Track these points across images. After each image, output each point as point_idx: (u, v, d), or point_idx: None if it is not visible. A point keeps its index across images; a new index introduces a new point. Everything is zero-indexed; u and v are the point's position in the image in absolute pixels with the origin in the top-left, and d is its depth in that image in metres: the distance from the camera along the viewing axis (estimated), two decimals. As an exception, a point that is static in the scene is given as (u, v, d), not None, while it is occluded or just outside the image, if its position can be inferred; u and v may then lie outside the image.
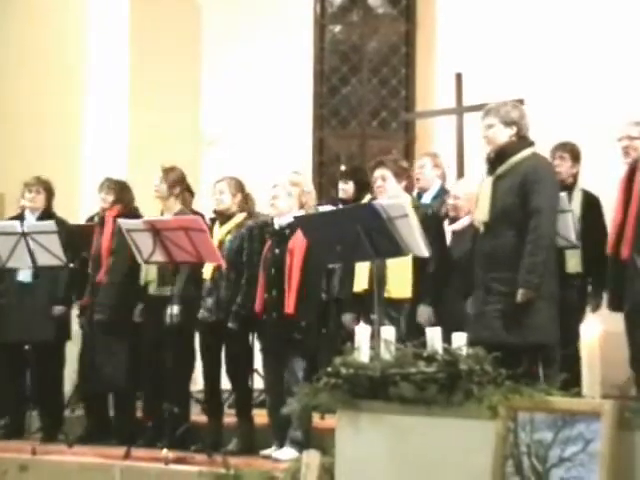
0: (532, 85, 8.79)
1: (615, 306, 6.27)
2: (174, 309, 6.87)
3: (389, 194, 6.71)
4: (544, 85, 8.94)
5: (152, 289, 7.31)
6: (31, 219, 7.80)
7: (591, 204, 7.02)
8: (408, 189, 6.95)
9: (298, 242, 6.67)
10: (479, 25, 9.72)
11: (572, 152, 7.18)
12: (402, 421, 4.78)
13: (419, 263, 6.47)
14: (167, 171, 7.34)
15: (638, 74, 8.69)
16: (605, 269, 6.70)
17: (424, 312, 6.52)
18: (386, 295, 6.44)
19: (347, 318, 6.76)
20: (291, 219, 6.75)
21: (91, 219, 8.16)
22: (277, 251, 6.78)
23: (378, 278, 6.11)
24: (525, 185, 5.76)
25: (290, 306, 6.63)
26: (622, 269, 6.13)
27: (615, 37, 8.89)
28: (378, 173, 6.86)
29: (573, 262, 6.88)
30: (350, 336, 6.37)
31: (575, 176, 7.17)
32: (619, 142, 6.45)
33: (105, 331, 7.55)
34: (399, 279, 6.50)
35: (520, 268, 5.67)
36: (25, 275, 7.72)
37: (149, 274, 7.29)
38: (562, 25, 9.18)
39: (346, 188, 7.88)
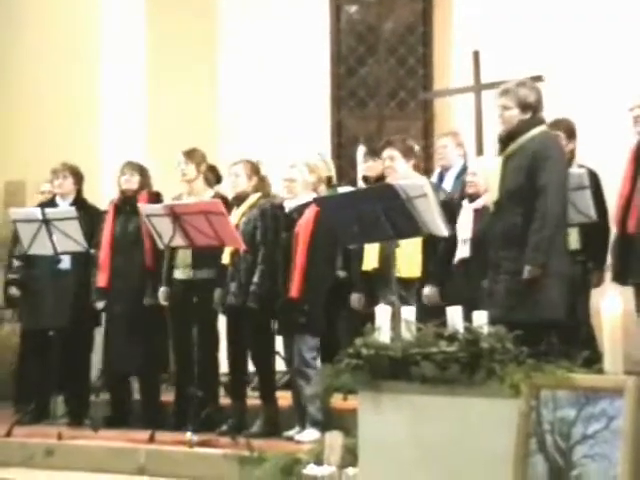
0: (550, 62, 8.73)
1: (621, 280, 6.25)
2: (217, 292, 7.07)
3: (398, 174, 6.74)
4: (562, 61, 8.87)
5: (181, 273, 7.30)
6: (64, 205, 7.84)
7: (592, 180, 6.93)
8: (417, 168, 6.96)
9: (303, 226, 6.71)
10: (496, 2, 9.66)
11: (566, 129, 7.11)
12: (424, 401, 4.79)
13: (429, 243, 6.53)
14: (189, 153, 7.36)
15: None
16: (605, 244, 6.69)
17: (429, 293, 6.62)
18: (396, 274, 6.50)
19: (354, 298, 6.88)
20: (300, 203, 6.78)
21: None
22: (284, 235, 6.81)
23: (390, 257, 6.15)
24: (533, 163, 5.71)
25: (294, 290, 6.67)
26: (628, 243, 6.10)
27: (633, 12, 8.82)
28: (386, 153, 6.95)
29: (572, 239, 6.84)
30: (359, 316, 6.51)
31: (572, 152, 7.12)
32: (630, 112, 6.35)
33: (131, 315, 7.57)
34: (409, 259, 6.53)
35: (527, 245, 5.65)
36: (63, 262, 7.64)
37: (185, 258, 7.26)
38: (579, 0, 9.11)
39: (374, 166, 7.76)
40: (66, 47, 9.65)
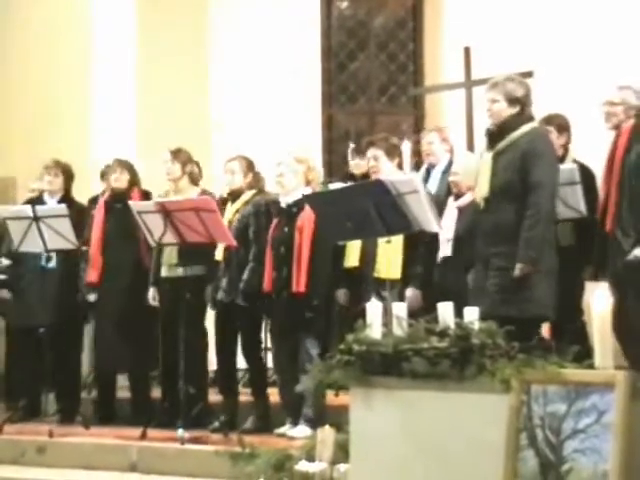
0: (540, 57, 8.74)
1: (594, 277, 6.25)
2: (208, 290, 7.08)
3: (383, 173, 6.73)
4: (552, 57, 8.89)
5: (167, 271, 7.30)
6: (52, 202, 7.83)
7: (585, 175, 6.94)
8: (400, 166, 6.97)
9: (306, 220, 6.69)
10: (486, -3, 9.68)
11: (558, 125, 7.09)
12: (415, 396, 4.79)
13: (410, 245, 6.51)
14: (176, 152, 7.37)
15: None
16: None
17: (412, 295, 6.55)
18: (375, 274, 6.55)
19: (340, 293, 6.88)
20: (298, 197, 6.77)
21: (93, 201, 8.13)
22: (286, 229, 6.78)
23: (370, 256, 6.14)
24: (525, 159, 5.72)
25: (301, 284, 6.64)
26: (607, 241, 6.09)
27: (623, 8, 8.83)
28: (370, 153, 6.96)
29: (566, 234, 6.84)
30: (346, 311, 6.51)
31: (565, 147, 7.10)
32: (602, 106, 6.31)
33: (122, 312, 7.58)
34: (388, 259, 6.51)
35: (519, 242, 5.65)
36: (51, 261, 7.66)
37: (171, 256, 7.26)
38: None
39: (362, 164, 7.80)
40: (56, 44, 9.63)
